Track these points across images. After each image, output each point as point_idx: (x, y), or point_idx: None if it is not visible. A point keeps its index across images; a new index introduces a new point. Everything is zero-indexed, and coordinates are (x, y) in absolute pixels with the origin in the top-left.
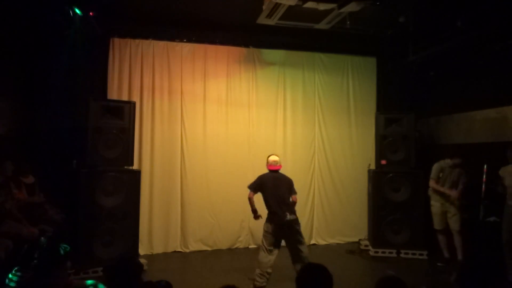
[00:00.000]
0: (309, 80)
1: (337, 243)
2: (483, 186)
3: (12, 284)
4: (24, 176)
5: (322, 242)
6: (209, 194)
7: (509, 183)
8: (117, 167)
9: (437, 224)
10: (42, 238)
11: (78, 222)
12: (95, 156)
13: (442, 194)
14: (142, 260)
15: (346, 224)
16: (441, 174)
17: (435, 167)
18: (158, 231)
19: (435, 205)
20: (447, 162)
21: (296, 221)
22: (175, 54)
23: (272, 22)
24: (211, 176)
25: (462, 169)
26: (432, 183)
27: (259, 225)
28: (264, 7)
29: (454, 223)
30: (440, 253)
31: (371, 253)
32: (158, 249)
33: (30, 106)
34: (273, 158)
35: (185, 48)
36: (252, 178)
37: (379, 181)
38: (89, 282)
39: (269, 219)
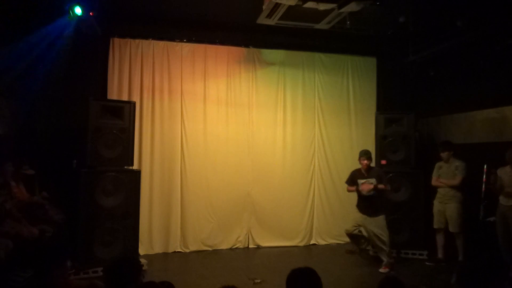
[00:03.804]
0: (309, 80)
1: (337, 243)
2: (483, 186)
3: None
4: (23, 169)
5: (322, 242)
6: (209, 194)
7: (507, 183)
8: (117, 167)
9: (434, 222)
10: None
11: (78, 222)
12: (95, 156)
13: (441, 192)
14: (142, 260)
15: (346, 224)
16: (440, 172)
17: (435, 166)
18: (158, 231)
19: (434, 203)
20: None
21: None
22: (175, 54)
23: (272, 22)
24: (211, 176)
25: (460, 162)
26: (432, 181)
27: (259, 225)
28: (264, 7)
29: (451, 226)
30: (435, 253)
31: (371, 253)
32: (158, 249)
33: (30, 106)
34: None
35: (185, 48)
36: (252, 178)
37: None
38: None
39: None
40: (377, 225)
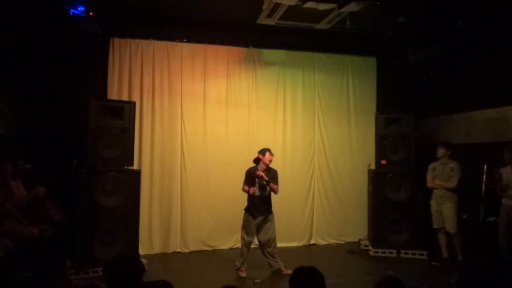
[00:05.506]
0: (309, 80)
1: (337, 243)
2: (483, 186)
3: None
4: (20, 165)
5: (322, 242)
6: (209, 194)
7: (510, 182)
8: (117, 167)
9: (434, 222)
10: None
11: (78, 222)
12: (95, 156)
13: (437, 194)
14: (143, 260)
15: (346, 224)
16: (435, 173)
17: (428, 167)
18: (158, 231)
19: (431, 204)
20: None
21: None
22: (175, 54)
23: (272, 22)
24: (211, 176)
25: (455, 163)
26: (427, 183)
27: None
28: (264, 7)
29: (448, 225)
30: (439, 252)
31: (371, 253)
32: (158, 249)
33: (30, 106)
34: None
35: (185, 48)
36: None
37: (379, 181)
38: None
39: None
40: (269, 229)
